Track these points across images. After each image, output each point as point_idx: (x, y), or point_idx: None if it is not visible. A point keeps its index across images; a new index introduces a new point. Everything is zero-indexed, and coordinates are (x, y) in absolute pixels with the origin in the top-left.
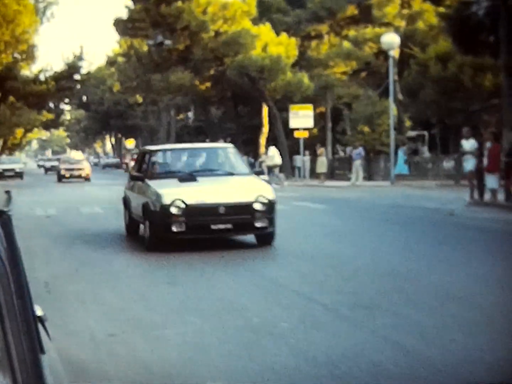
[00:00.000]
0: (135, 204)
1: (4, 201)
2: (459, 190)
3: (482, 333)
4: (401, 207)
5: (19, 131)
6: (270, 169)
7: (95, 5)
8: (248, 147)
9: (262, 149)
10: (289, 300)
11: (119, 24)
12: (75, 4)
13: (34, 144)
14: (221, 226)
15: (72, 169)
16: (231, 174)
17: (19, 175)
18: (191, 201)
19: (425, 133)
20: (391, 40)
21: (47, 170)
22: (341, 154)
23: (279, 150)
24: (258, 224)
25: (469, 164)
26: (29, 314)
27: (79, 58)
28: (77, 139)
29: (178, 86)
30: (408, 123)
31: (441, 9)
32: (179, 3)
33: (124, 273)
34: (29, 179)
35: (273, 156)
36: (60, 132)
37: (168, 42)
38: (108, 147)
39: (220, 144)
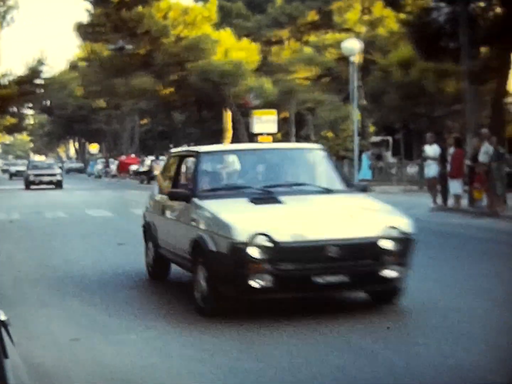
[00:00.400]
0: (172, 237)
1: None
2: (422, 195)
3: (444, 338)
4: None
5: None
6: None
7: (56, 9)
8: None
9: None
10: None
11: (80, 28)
12: (35, 8)
13: None
14: (331, 279)
15: (42, 175)
16: (329, 191)
17: None
18: (281, 237)
19: (389, 138)
20: (351, 46)
21: (12, 175)
22: None
23: None
24: (386, 274)
25: (431, 169)
26: None
27: (40, 62)
28: (40, 144)
29: (141, 90)
30: (372, 128)
31: (402, 15)
32: (140, 8)
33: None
34: None
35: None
36: (24, 137)
37: (129, 46)
38: (72, 151)
39: (305, 145)
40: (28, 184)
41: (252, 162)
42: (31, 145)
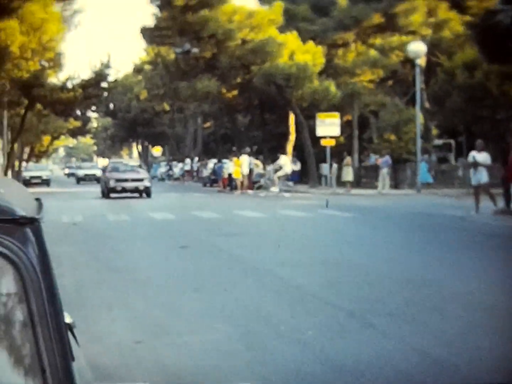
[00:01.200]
0: None
1: (35, 209)
2: (485, 199)
3: (506, 341)
4: (426, 215)
5: (46, 139)
6: (279, 178)
7: (122, 13)
8: (274, 155)
9: (289, 157)
10: (315, 307)
11: (145, 32)
12: (101, 12)
13: (61, 152)
14: None
15: (126, 180)
16: None
17: (45, 182)
18: None
19: (452, 141)
20: (417, 48)
21: (79, 179)
22: (365, 163)
23: (306, 158)
24: None
25: (482, 176)
26: (60, 321)
27: (106, 65)
28: (103, 147)
29: (204, 93)
30: (434, 131)
31: (467, 18)
32: (205, 11)
33: None
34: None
35: (285, 164)
36: (87, 140)
37: (195, 50)
38: (135, 154)
39: None
40: (108, 192)
41: None
42: (95, 148)
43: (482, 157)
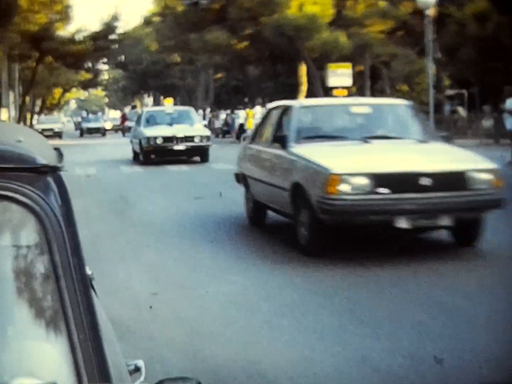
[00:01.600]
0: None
1: (56, 158)
2: (498, 149)
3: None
4: None
5: (57, 91)
6: None
7: None
8: None
9: None
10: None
11: None
12: None
13: (72, 104)
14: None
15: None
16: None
17: (58, 134)
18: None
19: (464, 91)
20: None
21: (82, 132)
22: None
23: None
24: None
25: (510, 122)
26: (84, 273)
27: (115, 18)
28: (115, 99)
29: (215, 45)
30: (447, 82)
31: None
32: None
33: None
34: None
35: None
36: (98, 92)
37: (203, 1)
38: (147, 107)
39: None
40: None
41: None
42: (106, 100)
43: (510, 103)
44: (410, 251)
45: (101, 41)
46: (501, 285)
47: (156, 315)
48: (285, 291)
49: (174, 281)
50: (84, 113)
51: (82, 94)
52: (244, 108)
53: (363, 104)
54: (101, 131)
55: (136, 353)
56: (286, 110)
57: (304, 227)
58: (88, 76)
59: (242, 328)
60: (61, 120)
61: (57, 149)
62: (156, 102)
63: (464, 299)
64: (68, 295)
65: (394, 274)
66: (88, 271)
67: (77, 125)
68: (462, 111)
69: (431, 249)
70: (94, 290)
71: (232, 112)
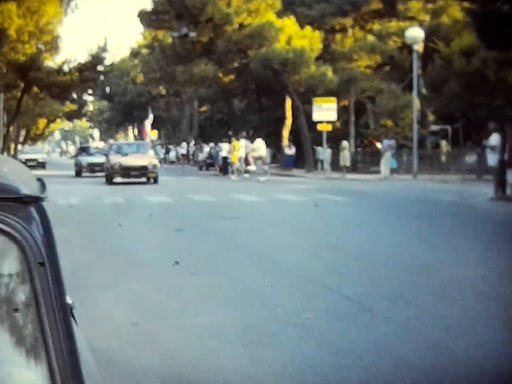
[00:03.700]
0: None
1: (38, 188)
2: (481, 185)
3: (504, 327)
4: (423, 200)
5: (42, 122)
6: (255, 160)
7: None
8: (271, 139)
9: (285, 141)
10: (311, 291)
11: (143, 15)
12: None
13: (57, 135)
14: None
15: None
16: None
17: (41, 165)
18: None
19: (448, 127)
20: (415, 34)
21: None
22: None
23: (302, 143)
24: None
25: (492, 158)
26: (64, 302)
27: (103, 49)
28: (100, 130)
29: (201, 78)
30: (431, 117)
31: (466, 4)
32: None
33: None
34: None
35: (259, 147)
36: (83, 123)
37: (192, 34)
38: (131, 138)
39: None
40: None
41: None
42: (91, 131)
43: (495, 139)
44: None
45: (88, 72)
46: None
47: (137, 345)
48: (264, 323)
49: (155, 311)
50: (78, 141)
51: (67, 124)
52: (228, 142)
53: None
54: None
55: (115, 383)
56: None
57: None
58: (73, 107)
59: (222, 359)
60: (45, 151)
61: (40, 179)
62: (140, 134)
63: None
64: (48, 323)
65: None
66: (69, 300)
67: (76, 161)
68: (445, 145)
69: None
70: (75, 319)
71: (216, 144)
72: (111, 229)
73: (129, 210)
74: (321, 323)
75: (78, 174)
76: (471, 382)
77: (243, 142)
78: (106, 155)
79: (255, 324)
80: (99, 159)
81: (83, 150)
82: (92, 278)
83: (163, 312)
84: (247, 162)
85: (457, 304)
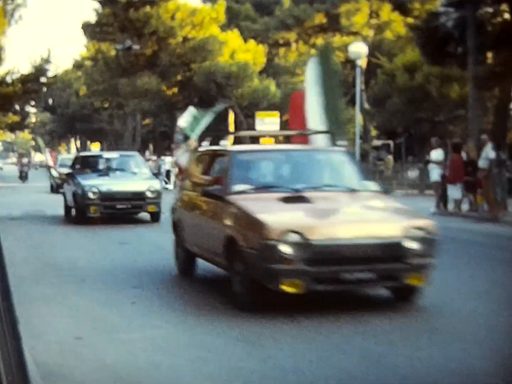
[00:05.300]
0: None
1: None
2: (423, 200)
3: (453, 344)
4: None
5: None
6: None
7: (64, 8)
8: None
9: None
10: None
11: (87, 27)
12: (43, 7)
13: None
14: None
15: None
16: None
17: None
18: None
19: (390, 142)
20: (358, 49)
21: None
22: None
23: None
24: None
25: (435, 174)
26: (14, 316)
27: (47, 61)
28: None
29: (144, 90)
30: (374, 132)
31: (410, 20)
32: (147, 8)
33: None
34: None
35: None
36: (25, 135)
37: (136, 47)
38: (73, 150)
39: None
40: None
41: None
42: (33, 143)
43: (436, 154)
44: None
45: (31, 84)
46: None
47: (81, 360)
48: (210, 338)
49: (99, 325)
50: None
51: (9, 136)
52: (171, 155)
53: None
54: None
55: None
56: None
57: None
58: (16, 118)
59: (166, 373)
60: None
61: None
62: (83, 146)
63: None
64: None
65: (319, 323)
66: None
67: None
68: (391, 160)
69: (369, 304)
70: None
71: (159, 157)
72: (53, 242)
73: (73, 223)
74: (268, 338)
75: (68, 213)
76: None
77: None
78: (73, 174)
79: (199, 338)
80: (125, 183)
81: (85, 162)
82: (35, 292)
83: (106, 326)
84: None
85: (400, 319)
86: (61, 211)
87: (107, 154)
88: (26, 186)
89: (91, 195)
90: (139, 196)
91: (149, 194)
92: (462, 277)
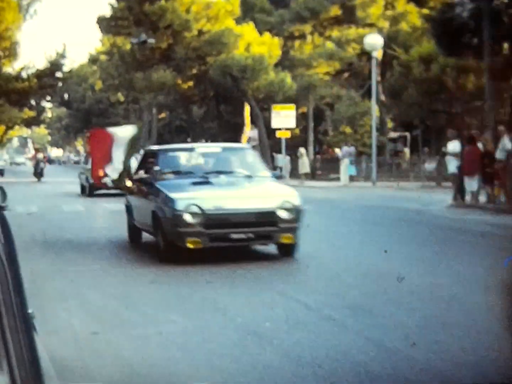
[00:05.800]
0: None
1: None
2: (441, 192)
3: (465, 334)
4: (383, 208)
5: (0, 128)
6: None
7: (79, 2)
8: None
9: None
10: (271, 299)
11: (102, 22)
12: (58, 1)
13: (15, 142)
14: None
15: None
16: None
17: None
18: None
19: (407, 134)
20: (374, 41)
21: None
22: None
23: (261, 150)
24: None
25: (452, 165)
26: (26, 311)
27: (62, 56)
28: (58, 137)
29: (160, 84)
30: (390, 124)
31: (425, 11)
32: (163, 2)
33: None
34: None
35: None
36: (41, 130)
37: (151, 40)
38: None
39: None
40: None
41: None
42: (49, 138)
43: (453, 146)
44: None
45: (47, 79)
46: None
47: (97, 355)
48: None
49: (115, 320)
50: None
51: (25, 131)
52: None
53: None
54: None
55: None
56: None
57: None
58: (32, 113)
59: (182, 368)
60: (3, 158)
61: (0, 187)
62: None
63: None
64: (10, 333)
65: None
66: (29, 309)
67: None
68: (407, 152)
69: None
70: (35, 329)
71: None
72: (70, 238)
73: (89, 218)
74: (280, 331)
75: (134, 237)
76: None
77: None
78: (151, 182)
79: (215, 334)
80: (242, 197)
81: (165, 161)
82: (51, 287)
83: (123, 321)
84: None
85: (417, 312)
86: (122, 232)
87: (201, 147)
88: (42, 184)
89: (188, 218)
90: (267, 219)
91: (283, 215)
92: (465, 269)
